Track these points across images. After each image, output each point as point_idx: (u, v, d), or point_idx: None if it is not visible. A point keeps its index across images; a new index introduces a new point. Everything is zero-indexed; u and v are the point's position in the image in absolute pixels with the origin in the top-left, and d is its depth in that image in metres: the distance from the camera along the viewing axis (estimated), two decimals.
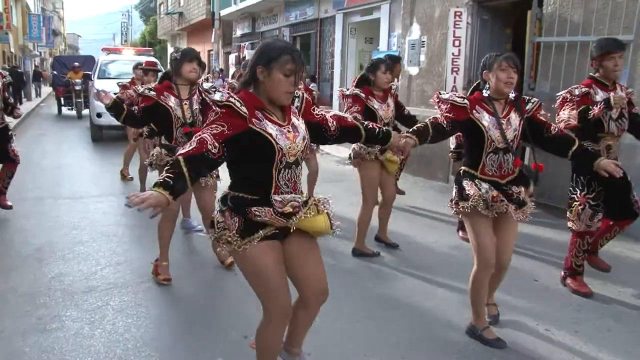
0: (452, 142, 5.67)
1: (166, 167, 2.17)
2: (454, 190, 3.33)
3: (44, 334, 3.40)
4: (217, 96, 2.31)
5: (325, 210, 2.49)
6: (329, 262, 4.61)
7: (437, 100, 3.31)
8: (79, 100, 17.12)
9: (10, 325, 3.51)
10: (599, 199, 4.06)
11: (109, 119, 11.40)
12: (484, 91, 3.26)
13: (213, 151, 2.19)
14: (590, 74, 4.13)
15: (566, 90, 4.09)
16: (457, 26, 8.10)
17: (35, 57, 41.56)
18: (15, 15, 31.25)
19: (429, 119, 3.22)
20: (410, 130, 3.20)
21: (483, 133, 3.17)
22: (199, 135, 2.22)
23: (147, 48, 20.43)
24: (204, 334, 3.48)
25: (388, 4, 10.82)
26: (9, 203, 6.10)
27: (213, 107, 2.30)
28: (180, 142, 4.20)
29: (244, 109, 2.28)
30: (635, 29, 5.62)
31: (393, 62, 7.05)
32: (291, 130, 2.39)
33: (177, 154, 2.20)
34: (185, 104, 4.26)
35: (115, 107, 4.23)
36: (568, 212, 4.20)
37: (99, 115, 11.53)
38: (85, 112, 15.51)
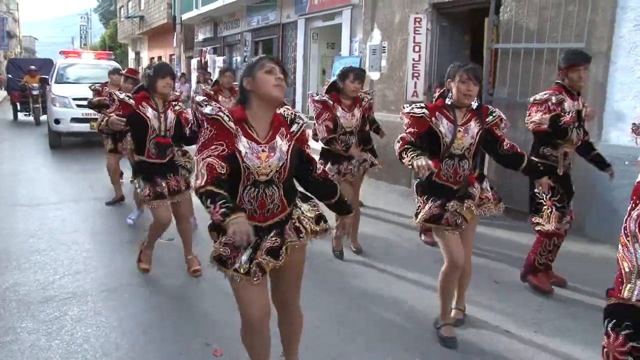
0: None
1: (206, 205, 2.15)
2: (416, 202, 3.48)
3: None
4: (207, 109, 2.35)
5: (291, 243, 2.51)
6: None
7: (402, 114, 3.40)
8: (37, 105, 16.23)
9: None
10: (564, 201, 4.21)
11: (67, 125, 11.34)
12: (447, 99, 3.35)
13: (222, 172, 2.23)
14: (558, 81, 4.24)
15: (543, 95, 4.17)
16: (417, 32, 8.22)
17: None
18: None
19: (401, 147, 3.19)
20: (413, 156, 3.12)
21: (439, 138, 3.27)
22: (203, 160, 2.24)
23: (107, 52, 20.00)
24: (166, 343, 3.44)
25: (350, 9, 10.91)
26: None
27: (204, 122, 2.34)
28: (152, 154, 4.29)
29: (231, 124, 2.34)
30: (586, 37, 5.81)
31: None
32: (266, 149, 2.40)
33: (197, 188, 2.20)
34: (162, 116, 4.30)
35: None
36: (535, 216, 4.30)
37: (56, 121, 11.26)
38: (43, 117, 14.92)
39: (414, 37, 8.24)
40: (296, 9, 13.32)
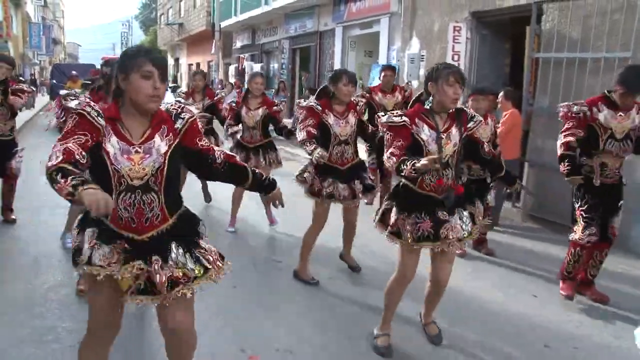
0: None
1: (61, 177, 1.93)
2: (388, 209, 3.29)
3: (39, 346, 3.37)
4: (73, 103, 2.18)
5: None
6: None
7: (380, 124, 3.21)
8: None
9: (5, 336, 3.48)
10: (592, 212, 4.09)
11: None
12: (426, 103, 3.15)
13: (82, 161, 2.03)
14: (606, 91, 4.16)
15: (567, 106, 4.18)
16: (456, 41, 8.16)
17: (34, 65, 41.64)
18: (16, 24, 31.37)
19: (392, 163, 3.00)
20: (388, 198, 3.23)
21: (422, 147, 3.07)
22: (61, 145, 2.04)
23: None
24: (202, 348, 3.43)
25: (388, 17, 10.88)
26: (14, 217, 6.09)
27: (69, 116, 2.18)
28: None
29: (101, 120, 2.16)
30: (633, 45, 5.65)
31: (383, 68, 7.18)
32: (140, 150, 2.21)
33: (48, 167, 1.99)
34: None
35: None
36: (574, 226, 4.26)
37: None
38: None
39: (453, 46, 8.19)
40: (334, 17, 13.36)
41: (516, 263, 5.19)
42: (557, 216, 6.19)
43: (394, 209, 3.23)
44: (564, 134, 4.13)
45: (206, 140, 2.49)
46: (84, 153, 2.05)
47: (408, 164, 2.85)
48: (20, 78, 19.74)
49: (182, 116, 2.35)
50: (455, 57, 8.19)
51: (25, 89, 5.89)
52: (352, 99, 4.40)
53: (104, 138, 2.17)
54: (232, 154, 2.60)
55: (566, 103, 4.23)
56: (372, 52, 12.87)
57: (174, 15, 33.43)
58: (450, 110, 3.12)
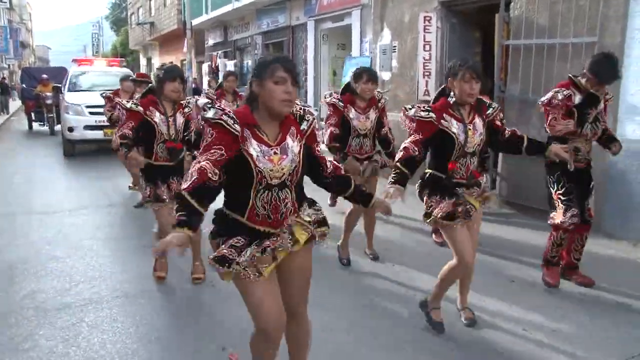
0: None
1: (176, 207, 2.22)
2: (424, 200, 3.43)
3: (16, 354, 3.33)
4: (210, 113, 2.29)
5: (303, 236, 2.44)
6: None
7: (405, 117, 3.36)
8: (51, 115, 16.07)
9: None
10: (570, 194, 4.15)
11: (80, 133, 11.40)
12: (449, 98, 3.32)
13: (214, 179, 2.22)
14: (570, 74, 4.21)
15: (550, 94, 4.14)
16: (427, 30, 8.19)
17: (3, 69, 40.84)
18: None
19: (399, 159, 3.23)
20: (391, 182, 3.21)
21: (454, 140, 3.23)
22: (198, 163, 2.23)
23: (118, 59, 20.13)
24: (183, 348, 3.45)
25: (359, 10, 10.88)
26: None
27: (206, 126, 2.29)
28: (160, 157, 4.24)
29: (237, 127, 2.27)
30: (599, 30, 5.74)
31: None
32: (278, 152, 2.34)
33: (182, 188, 2.23)
34: (170, 120, 4.23)
35: (128, 148, 4.14)
36: (553, 211, 4.29)
37: (70, 129, 11.32)
38: (58, 127, 14.60)
39: (424, 36, 8.22)
40: (305, 11, 13.32)
41: (492, 248, 5.24)
42: (532, 202, 6.28)
43: (426, 197, 3.41)
44: (553, 123, 4.09)
45: (320, 147, 2.65)
46: (216, 171, 2.22)
47: (393, 173, 3.21)
48: None
49: (306, 118, 2.49)
50: (427, 47, 8.23)
51: None
52: (374, 96, 4.70)
53: (246, 142, 2.29)
54: (338, 164, 2.73)
55: (551, 92, 4.16)
56: (345, 45, 12.85)
57: (145, 14, 33.06)
58: (472, 103, 3.27)
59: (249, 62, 18.26)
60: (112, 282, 4.54)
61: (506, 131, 3.49)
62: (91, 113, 11.09)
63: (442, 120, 3.24)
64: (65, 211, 6.96)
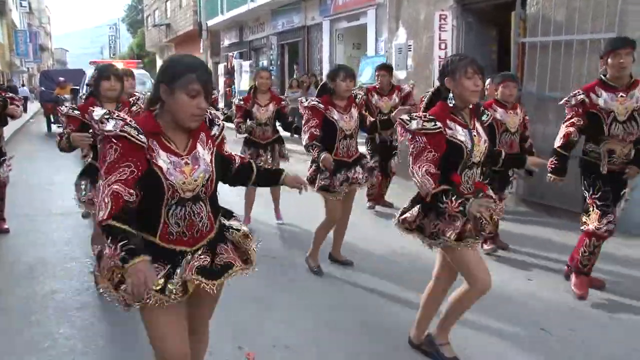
0: None
1: (108, 242, 1.93)
2: (428, 224, 2.91)
3: (37, 353, 3.37)
4: (109, 125, 1.98)
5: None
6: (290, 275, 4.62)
7: (404, 131, 2.83)
8: None
9: (3, 344, 3.48)
10: (606, 199, 3.92)
11: None
12: (448, 101, 2.86)
13: (131, 200, 1.96)
14: (600, 74, 4.03)
15: (569, 95, 4.05)
16: (442, 29, 8.17)
17: (23, 73, 41.44)
18: (1, 32, 31.20)
19: (432, 186, 2.68)
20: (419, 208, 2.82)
21: (462, 149, 2.80)
22: (108, 187, 1.93)
23: (135, 60, 20.33)
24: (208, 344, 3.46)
25: (374, 9, 10.87)
26: (6, 226, 6.06)
27: (106, 141, 1.99)
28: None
29: (142, 137, 2.00)
30: (618, 26, 5.67)
31: (378, 67, 7.00)
32: (190, 162, 2.10)
33: (100, 221, 1.93)
34: None
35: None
36: (584, 215, 4.07)
37: None
38: None
39: (440, 35, 8.20)
40: (321, 11, 13.34)
41: (509, 246, 5.21)
42: (548, 200, 6.22)
43: (433, 218, 2.89)
44: (565, 124, 4.05)
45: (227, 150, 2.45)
46: (131, 191, 1.96)
47: (454, 199, 2.63)
48: (9, 86, 19.60)
49: (216, 122, 2.29)
50: (442, 46, 8.21)
51: (15, 97, 5.85)
52: (352, 93, 4.44)
53: (153, 154, 2.04)
54: (242, 155, 2.59)
55: (571, 93, 4.06)
56: (360, 45, 12.86)
57: (161, 16, 33.33)
58: (471, 105, 2.90)
59: (264, 62, 18.32)
60: None
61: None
62: None
63: (446, 129, 2.79)
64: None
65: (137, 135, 1.99)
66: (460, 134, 2.80)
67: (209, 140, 2.22)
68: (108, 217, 1.91)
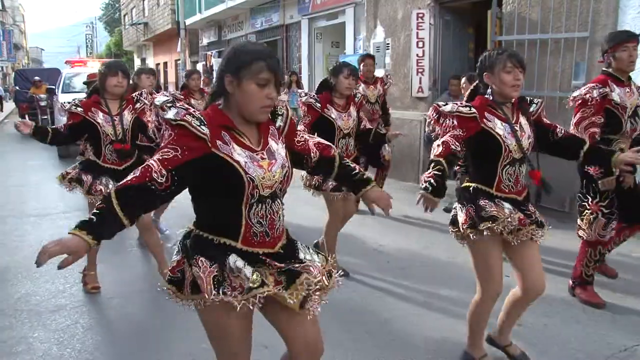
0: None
1: (96, 205, 1.82)
2: (462, 211, 2.81)
3: (10, 357, 3.32)
4: (170, 114, 1.87)
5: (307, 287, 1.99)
6: None
7: (437, 114, 2.80)
8: (45, 117, 15.88)
9: None
10: (613, 207, 3.74)
11: None
12: (487, 95, 2.81)
13: (159, 180, 1.80)
14: (603, 68, 3.81)
15: (583, 91, 3.69)
16: (420, 27, 8.20)
17: None
18: None
19: (436, 153, 2.67)
20: (428, 183, 2.57)
21: (499, 143, 2.70)
22: (150, 162, 1.84)
23: (112, 59, 20.08)
24: (177, 346, 3.44)
25: (352, 7, 10.88)
26: None
27: (166, 128, 1.91)
28: (109, 159, 4.08)
29: (204, 128, 1.86)
30: (591, 25, 5.76)
31: (362, 57, 7.03)
32: (266, 156, 1.97)
33: (115, 188, 1.82)
34: (116, 119, 4.03)
35: (39, 133, 3.99)
36: (579, 220, 3.91)
37: None
38: None
39: (417, 33, 8.23)
40: (299, 9, 13.31)
41: None
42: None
43: (467, 211, 2.79)
44: (584, 124, 3.62)
45: (302, 134, 2.28)
46: (164, 171, 1.80)
47: (433, 171, 2.59)
48: None
49: (279, 113, 2.13)
50: (420, 44, 8.24)
51: None
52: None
53: (228, 147, 1.90)
54: (328, 144, 2.34)
55: (585, 87, 3.71)
56: (338, 43, 12.85)
57: (138, 14, 32.94)
58: (513, 100, 2.79)
59: None
60: (107, 283, 4.51)
61: (558, 129, 2.92)
62: None
63: (484, 120, 2.72)
64: (60, 213, 6.94)
65: (199, 125, 1.85)
66: (499, 127, 2.72)
67: (278, 134, 2.10)
68: (118, 187, 1.81)
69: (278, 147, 2.05)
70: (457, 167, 4.56)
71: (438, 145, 2.70)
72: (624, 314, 3.80)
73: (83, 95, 7.61)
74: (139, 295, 4.27)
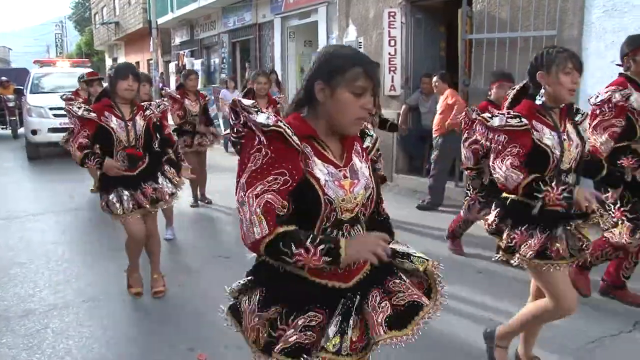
0: (464, 154, 4.39)
1: (301, 247, 1.51)
2: (517, 234, 2.62)
3: None
4: (261, 117, 1.57)
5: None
6: None
7: (484, 129, 2.58)
8: (13, 118, 15.67)
9: None
10: (637, 212, 3.59)
11: (44, 136, 11.18)
12: (537, 98, 2.56)
13: (281, 214, 1.60)
14: (621, 71, 3.65)
15: (605, 93, 3.48)
16: (391, 26, 8.25)
17: None
18: None
19: (519, 180, 2.43)
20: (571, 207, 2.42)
21: (548, 154, 2.49)
22: (257, 197, 1.53)
23: (83, 59, 19.77)
24: (151, 350, 3.41)
25: (325, 6, 10.89)
26: None
27: (257, 134, 1.58)
28: (121, 166, 3.84)
29: (296, 139, 1.59)
30: (558, 24, 5.87)
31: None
32: (348, 175, 1.70)
33: (257, 240, 1.53)
34: (129, 124, 3.84)
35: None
36: (606, 233, 3.73)
37: (34, 132, 11.11)
38: (21, 130, 14.21)
39: (389, 32, 8.27)
40: (272, 8, 13.27)
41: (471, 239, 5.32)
42: None
43: (508, 230, 2.65)
44: (603, 126, 3.45)
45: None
46: (285, 203, 1.59)
47: (554, 185, 2.38)
48: None
49: (368, 132, 1.89)
50: (392, 43, 8.29)
51: None
52: (274, 96, 4.33)
53: (309, 161, 1.64)
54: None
55: (606, 90, 3.49)
56: (311, 42, 12.85)
57: (109, 13, 32.46)
58: (562, 105, 2.58)
59: (215, 61, 18.12)
60: (77, 286, 4.46)
61: (585, 147, 2.72)
62: (55, 115, 10.89)
63: (533, 130, 2.49)
64: (29, 215, 6.82)
65: (292, 135, 1.58)
66: (548, 137, 2.50)
67: (364, 153, 1.83)
68: (271, 231, 1.53)
69: (362, 166, 1.77)
70: (468, 172, 4.44)
71: (507, 170, 2.45)
72: (597, 309, 3.88)
73: (53, 96, 7.31)
74: (112, 298, 4.21)
